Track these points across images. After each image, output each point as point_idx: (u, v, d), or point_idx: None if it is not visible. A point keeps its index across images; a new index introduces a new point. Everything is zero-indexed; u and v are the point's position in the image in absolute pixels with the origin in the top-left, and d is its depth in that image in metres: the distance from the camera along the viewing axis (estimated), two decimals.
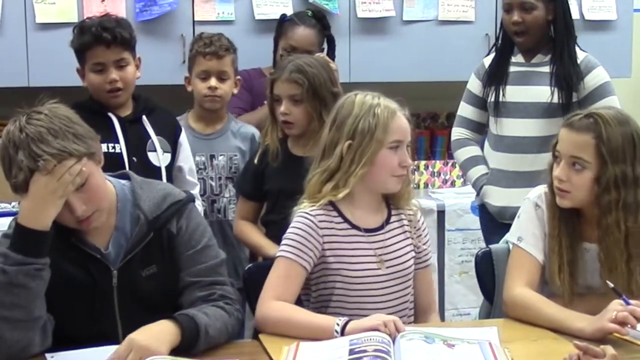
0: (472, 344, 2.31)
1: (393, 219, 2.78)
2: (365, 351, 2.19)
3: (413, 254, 2.78)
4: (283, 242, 2.67)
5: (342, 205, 2.71)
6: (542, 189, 2.76)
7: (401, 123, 2.69)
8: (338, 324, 2.41)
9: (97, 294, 2.43)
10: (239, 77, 3.79)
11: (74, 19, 4.04)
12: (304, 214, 2.68)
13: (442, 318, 4.01)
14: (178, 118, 3.73)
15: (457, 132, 3.85)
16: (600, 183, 2.56)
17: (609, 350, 2.06)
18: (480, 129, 3.84)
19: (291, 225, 2.69)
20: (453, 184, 4.72)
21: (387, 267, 2.71)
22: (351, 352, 2.20)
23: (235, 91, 3.77)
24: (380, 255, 2.71)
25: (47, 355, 2.31)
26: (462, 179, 4.68)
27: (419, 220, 2.82)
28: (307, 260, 2.64)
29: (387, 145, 2.65)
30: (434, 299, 2.94)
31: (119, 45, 3.26)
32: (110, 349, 2.22)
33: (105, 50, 3.24)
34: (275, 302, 2.57)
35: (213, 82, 3.67)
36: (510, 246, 2.80)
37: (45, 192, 2.25)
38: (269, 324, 2.54)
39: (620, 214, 2.55)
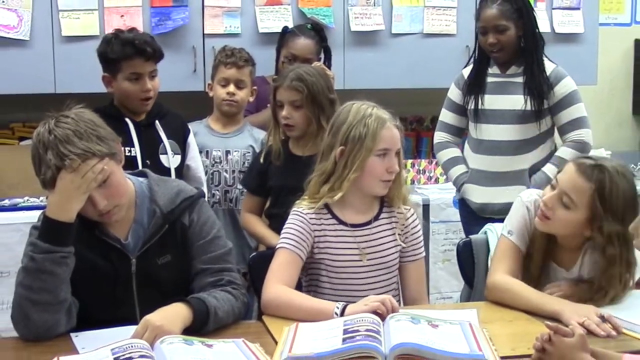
0: (454, 325, 2.31)
1: (383, 216, 2.78)
2: (358, 331, 2.19)
3: (398, 249, 2.78)
4: (282, 235, 2.71)
5: (334, 203, 2.72)
6: (534, 193, 2.74)
7: (389, 133, 2.69)
8: (338, 307, 2.43)
9: (118, 280, 2.43)
10: (255, 87, 3.80)
11: (96, 32, 4.04)
12: (298, 212, 2.73)
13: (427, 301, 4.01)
14: (199, 122, 3.78)
15: (439, 136, 3.86)
16: (602, 233, 2.50)
17: (578, 330, 2.06)
18: (459, 133, 3.85)
19: (287, 220, 2.73)
20: (437, 181, 4.72)
21: (368, 260, 2.72)
22: (345, 331, 2.20)
23: (251, 99, 3.79)
24: (363, 248, 2.72)
25: (72, 334, 2.32)
26: (444, 176, 4.68)
27: (408, 218, 2.80)
28: (302, 250, 2.68)
29: (375, 152, 2.66)
30: (423, 290, 2.90)
31: (155, 58, 3.29)
32: (129, 329, 2.22)
33: (143, 62, 3.25)
34: (279, 286, 2.58)
35: (231, 88, 3.70)
36: (497, 235, 2.79)
37: (70, 188, 2.26)
38: (273, 306, 2.55)
39: (623, 268, 2.53)
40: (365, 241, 2.73)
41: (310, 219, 2.70)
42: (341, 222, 2.73)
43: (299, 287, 2.72)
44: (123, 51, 3.24)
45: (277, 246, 2.70)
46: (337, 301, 2.49)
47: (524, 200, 2.74)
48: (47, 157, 2.25)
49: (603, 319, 2.38)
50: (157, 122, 3.38)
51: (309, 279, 2.78)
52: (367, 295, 2.52)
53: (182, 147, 3.47)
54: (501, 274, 2.66)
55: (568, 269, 2.64)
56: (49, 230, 2.29)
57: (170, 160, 3.37)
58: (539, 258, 2.66)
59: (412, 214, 2.83)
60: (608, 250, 2.51)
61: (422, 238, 2.86)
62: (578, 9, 4.81)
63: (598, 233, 2.51)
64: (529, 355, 2.10)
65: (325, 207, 2.72)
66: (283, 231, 2.72)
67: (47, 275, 2.27)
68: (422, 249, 2.86)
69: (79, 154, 2.25)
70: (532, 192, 2.77)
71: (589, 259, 2.61)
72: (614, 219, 2.48)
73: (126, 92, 3.28)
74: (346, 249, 2.72)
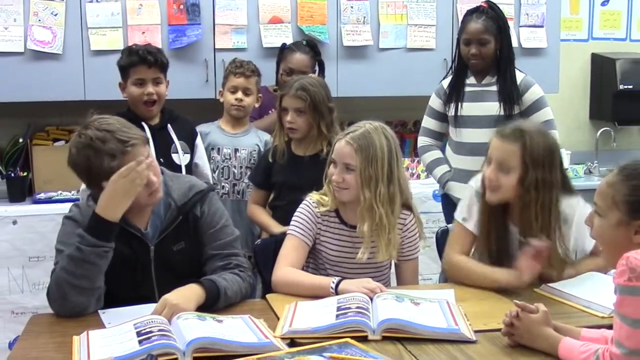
0: (433, 303, 2.31)
1: None
2: (349, 308, 2.19)
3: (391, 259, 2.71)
4: (292, 222, 2.71)
5: (341, 204, 2.70)
6: (481, 179, 2.72)
7: (337, 145, 2.64)
8: (333, 282, 2.44)
9: (138, 265, 2.43)
10: (260, 94, 3.80)
11: (121, 47, 4.01)
12: (308, 204, 2.72)
13: None
14: (211, 123, 3.79)
15: (422, 140, 3.84)
16: (523, 185, 2.53)
17: (542, 307, 2.06)
18: (440, 137, 3.84)
19: (298, 209, 2.72)
20: (418, 177, 4.70)
21: (360, 258, 2.65)
22: (338, 309, 2.21)
23: (257, 105, 3.79)
24: (358, 248, 2.66)
25: (100, 311, 2.32)
26: (425, 173, 4.66)
27: (407, 224, 2.72)
28: (309, 237, 2.68)
29: (332, 161, 2.66)
30: (415, 285, 2.84)
31: (158, 67, 3.30)
32: (149, 307, 2.22)
33: (147, 69, 3.27)
34: (287, 267, 2.59)
35: (239, 95, 3.70)
36: (455, 222, 2.79)
37: (120, 193, 2.28)
38: (281, 284, 2.56)
39: (538, 209, 2.53)
40: (361, 242, 2.66)
41: (317, 212, 2.69)
42: (342, 222, 2.70)
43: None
44: (129, 59, 3.29)
45: (288, 232, 2.70)
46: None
47: (474, 187, 2.74)
48: (108, 147, 2.27)
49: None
50: (169, 125, 3.39)
51: (313, 264, 2.76)
52: None
53: (191, 147, 3.47)
54: (456, 256, 2.69)
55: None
56: (96, 226, 2.28)
57: (181, 158, 3.38)
58: (497, 224, 2.63)
59: (411, 220, 2.75)
60: (524, 197, 2.53)
61: (418, 241, 2.77)
62: (542, 26, 4.80)
63: (520, 185, 2.54)
64: (499, 329, 2.10)
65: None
66: (293, 219, 2.71)
67: (90, 265, 2.27)
68: (417, 250, 2.78)
69: (138, 137, 2.32)
70: (480, 178, 2.74)
71: None
72: (536, 167, 2.52)
73: (132, 96, 3.30)
74: (342, 246, 2.70)
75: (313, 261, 2.76)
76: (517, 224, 2.63)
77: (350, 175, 2.61)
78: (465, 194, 2.79)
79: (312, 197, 2.73)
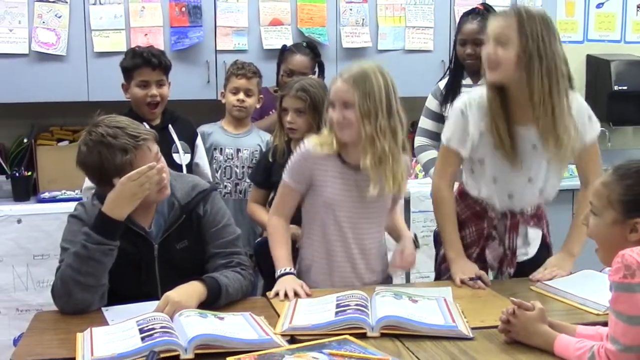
0: (431, 300, 2.32)
1: None
2: (348, 305, 2.19)
3: (391, 195, 2.69)
4: (285, 168, 2.71)
5: (343, 147, 2.62)
6: (465, 98, 2.67)
7: (333, 87, 2.59)
8: (279, 272, 2.57)
9: (142, 263, 2.43)
10: (261, 95, 3.80)
11: (124, 48, 4.01)
12: (302, 151, 2.66)
13: (407, 280, 4.03)
14: (214, 123, 3.79)
15: (419, 140, 3.85)
16: (525, 53, 2.46)
17: (538, 304, 2.06)
18: (436, 137, 3.81)
19: (294, 154, 2.70)
20: (416, 177, 4.71)
21: (363, 198, 2.61)
22: (337, 306, 2.20)
23: (258, 106, 3.79)
24: (362, 188, 2.59)
25: (103, 308, 2.32)
26: (423, 173, 4.67)
27: (409, 166, 2.71)
28: (299, 183, 2.67)
29: (330, 104, 2.60)
30: (398, 217, 2.90)
31: (161, 69, 3.31)
32: (152, 304, 2.22)
33: (150, 71, 3.28)
34: (276, 218, 2.71)
35: (241, 96, 3.70)
36: (441, 146, 2.77)
37: (128, 195, 2.28)
38: (268, 233, 2.73)
39: (543, 74, 2.46)
40: (366, 182, 2.58)
41: (313, 154, 2.62)
42: (345, 163, 2.63)
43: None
44: (133, 61, 3.29)
45: (282, 179, 2.72)
46: (332, 229, 2.63)
47: (458, 106, 2.67)
48: (120, 142, 2.28)
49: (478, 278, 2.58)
50: (170, 126, 3.40)
51: (311, 205, 2.71)
52: (362, 230, 2.65)
53: (192, 148, 3.48)
54: (446, 186, 2.72)
55: (527, 125, 2.57)
56: (102, 225, 2.29)
57: (182, 157, 3.39)
58: (502, 122, 2.56)
59: (406, 161, 2.67)
60: (527, 67, 2.46)
61: (407, 180, 2.73)
62: None
63: (523, 54, 2.47)
64: (495, 326, 2.10)
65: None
66: (287, 164, 2.70)
67: (95, 263, 2.27)
68: (406, 189, 2.80)
69: (148, 133, 2.34)
70: (464, 97, 2.70)
71: None
72: (534, 37, 2.45)
73: (135, 97, 3.31)
74: (346, 189, 2.63)
75: (309, 204, 2.72)
76: (523, 123, 2.57)
77: (349, 111, 2.54)
78: (450, 115, 2.75)
79: (312, 140, 2.67)
